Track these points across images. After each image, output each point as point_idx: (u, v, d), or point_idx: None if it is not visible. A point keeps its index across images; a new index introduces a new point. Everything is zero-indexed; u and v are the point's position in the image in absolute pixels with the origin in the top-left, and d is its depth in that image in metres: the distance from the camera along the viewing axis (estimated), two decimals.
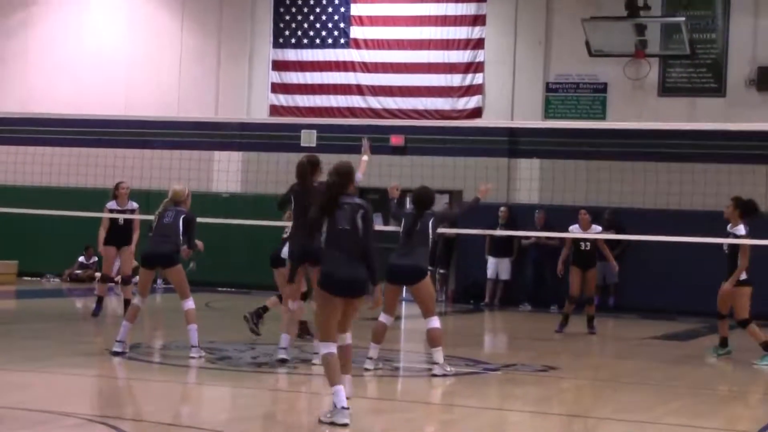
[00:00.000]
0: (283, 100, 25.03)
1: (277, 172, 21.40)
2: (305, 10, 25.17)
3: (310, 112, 24.44)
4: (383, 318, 11.85)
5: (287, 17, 25.26)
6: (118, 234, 16.53)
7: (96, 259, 22.97)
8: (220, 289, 22.93)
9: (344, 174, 9.23)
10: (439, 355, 11.64)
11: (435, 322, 11.66)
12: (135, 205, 16.77)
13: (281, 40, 25.27)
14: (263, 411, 9.79)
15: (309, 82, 24.92)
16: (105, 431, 8.18)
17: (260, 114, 24.80)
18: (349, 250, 9.02)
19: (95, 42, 26.30)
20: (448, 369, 11.65)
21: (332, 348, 8.94)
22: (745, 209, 13.86)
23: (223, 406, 10.14)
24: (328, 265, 9.05)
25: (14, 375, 10.78)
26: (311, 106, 24.67)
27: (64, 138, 24.01)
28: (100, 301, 16.59)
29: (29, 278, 23.53)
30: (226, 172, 23.56)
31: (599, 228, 17.20)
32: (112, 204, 16.63)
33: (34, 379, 10.65)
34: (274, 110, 24.94)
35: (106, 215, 16.61)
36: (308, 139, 23.84)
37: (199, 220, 18.16)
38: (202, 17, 25.85)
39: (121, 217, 16.47)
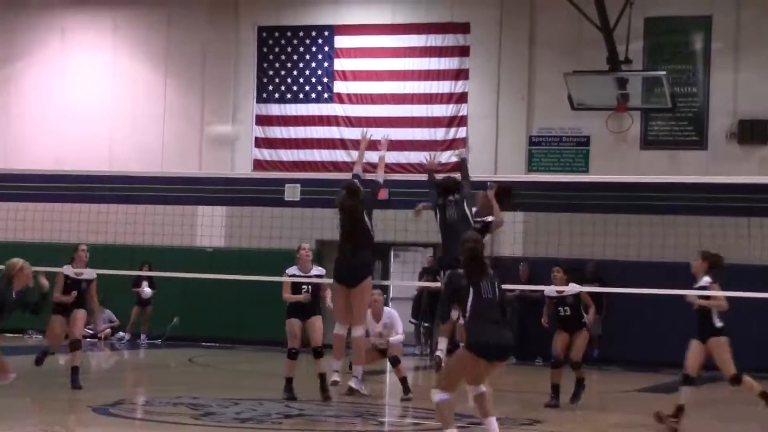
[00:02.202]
0: (267, 154, 25.12)
1: (261, 227, 21.45)
2: (289, 65, 25.31)
3: (293, 167, 24.51)
4: None
5: (270, 72, 25.40)
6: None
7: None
8: (203, 344, 22.87)
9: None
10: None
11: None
12: (93, 274, 14.93)
13: (265, 95, 25.40)
14: None
15: (293, 136, 25.04)
16: None
17: (244, 168, 24.87)
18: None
19: (79, 97, 26.38)
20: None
21: (448, 396, 9.38)
22: (713, 262, 13.39)
23: None
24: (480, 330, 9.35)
25: None
26: (295, 161, 24.76)
27: (46, 194, 23.98)
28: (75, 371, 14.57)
29: (11, 335, 23.41)
30: (210, 227, 23.55)
31: (576, 287, 14.86)
32: (68, 268, 14.88)
33: None
34: (258, 165, 25.02)
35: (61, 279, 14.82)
36: (292, 193, 23.87)
37: (183, 275, 18.31)
38: (186, 73, 25.97)
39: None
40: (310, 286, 14.09)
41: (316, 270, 14.34)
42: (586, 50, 22.62)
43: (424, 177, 23.17)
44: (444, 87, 24.46)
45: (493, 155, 23.71)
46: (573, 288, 14.69)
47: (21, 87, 26.78)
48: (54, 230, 21.72)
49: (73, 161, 24.41)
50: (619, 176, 20.80)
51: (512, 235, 22.19)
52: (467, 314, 9.43)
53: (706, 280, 12.87)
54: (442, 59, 24.48)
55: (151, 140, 25.74)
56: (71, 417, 12.19)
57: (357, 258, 13.60)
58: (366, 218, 13.69)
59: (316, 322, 14.13)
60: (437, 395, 9.43)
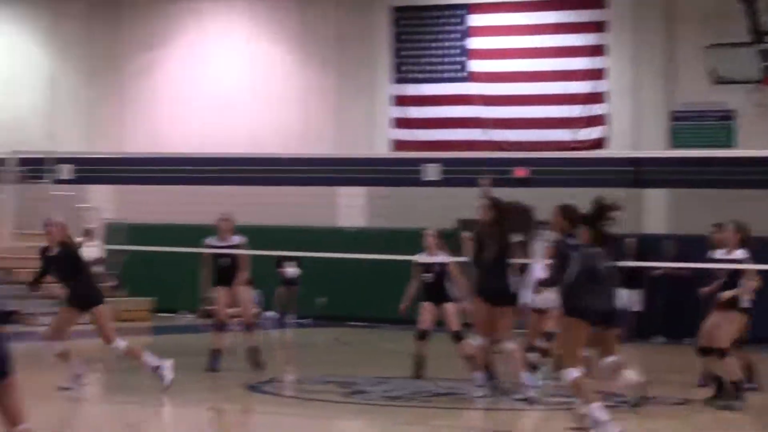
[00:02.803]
0: (405, 134, 25.16)
1: (401, 206, 21.54)
2: (423, 45, 25.29)
3: (431, 146, 24.45)
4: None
5: (406, 53, 25.42)
6: (223, 272, 14.57)
7: None
8: (349, 323, 23.04)
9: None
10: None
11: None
12: (237, 239, 14.78)
13: (401, 76, 25.43)
14: None
15: (429, 116, 25.01)
16: None
17: (382, 149, 24.96)
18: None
19: (219, 82, 26.78)
20: None
21: (578, 372, 9.36)
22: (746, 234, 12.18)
23: None
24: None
25: (152, 411, 10.97)
26: (432, 140, 24.73)
27: (190, 176, 24.42)
28: (216, 354, 14.33)
29: (164, 315, 23.98)
30: (350, 207, 23.76)
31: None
32: (211, 240, 14.88)
33: (171, 414, 10.83)
34: (396, 145, 25.09)
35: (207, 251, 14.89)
36: (431, 173, 23.88)
37: (325, 255, 18.46)
38: (323, 55, 26.14)
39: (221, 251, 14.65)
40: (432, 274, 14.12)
41: (441, 256, 14.25)
42: (726, 22, 22.06)
43: (561, 154, 23.15)
44: (580, 63, 24.13)
45: (634, 131, 23.37)
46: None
47: (163, 73, 27.29)
48: (199, 212, 22.12)
49: (215, 144, 24.83)
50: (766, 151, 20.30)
51: (656, 212, 21.92)
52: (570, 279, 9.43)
53: (740, 253, 12.10)
54: (578, 35, 24.15)
55: (290, 122, 25.99)
56: (226, 395, 12.40)
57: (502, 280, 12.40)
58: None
59: (449, 307, 13.98)
60: (569, 374, 9.41)
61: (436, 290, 14.11)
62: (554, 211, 9.88)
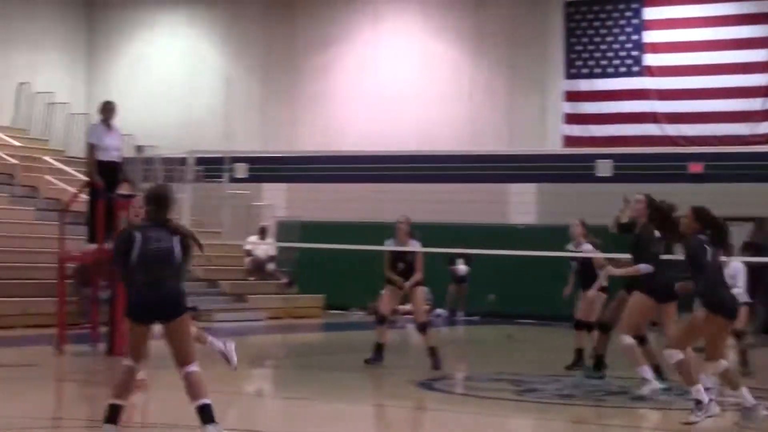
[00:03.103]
0: (577, 130, 24.85)
1: (572, 203, 21.19)
2: (597, 39, 24.96)
3: (605, 142, 24.11)
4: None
5: (579, 48, 25.10)
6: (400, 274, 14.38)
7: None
8: (519, 320, 22.86)
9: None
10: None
11: None
12: (415, 242, 14.64)
13: (573, 71, 25.13)
14: None
15: (603, 111, 24.65)
16: None
17: (554, 145, 24.70)
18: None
19: (390, 80, 26.93)
20: None
21: (726, 364, 9.83)
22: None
23: None
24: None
25: (325, 407, 11.02)
26: (606, 136, 24.35)
27: (361, 174, 24.57)
28: (379, 349, 14.31)
29: (335, 311, 24.22)
30: (521, 204, 23.55)
31: None
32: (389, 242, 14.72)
33: (344, 410, 10.87)
34: (569, 140, 24.79)
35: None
36: (604, 168, 23.48)
37: (496, 252, 18.29)
38: (494, 53, 26.04)
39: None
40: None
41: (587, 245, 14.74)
42: None
43: (738, 149, 22.49)
44: (759, 55, 23.49)
45: None
46: None
47: (337, 73, 27.57)
48: (370, 210, 22.26)
49: (386, 142, 24.95)
50: None
51: None
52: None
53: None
54: (757, 26, 23.48)
55: (460, 119, 25.96)
56: (397, 392, 12.39)
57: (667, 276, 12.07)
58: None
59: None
60: (674, 356, 9.73)
61: (584, 279, 14.57)
62: (688, 213, 10.17)
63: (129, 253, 8.09)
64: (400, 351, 15.60)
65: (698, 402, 9.62)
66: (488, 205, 22.62)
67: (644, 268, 11.77)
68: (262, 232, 25.78)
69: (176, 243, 8.21)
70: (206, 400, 7.97)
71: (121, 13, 29.55)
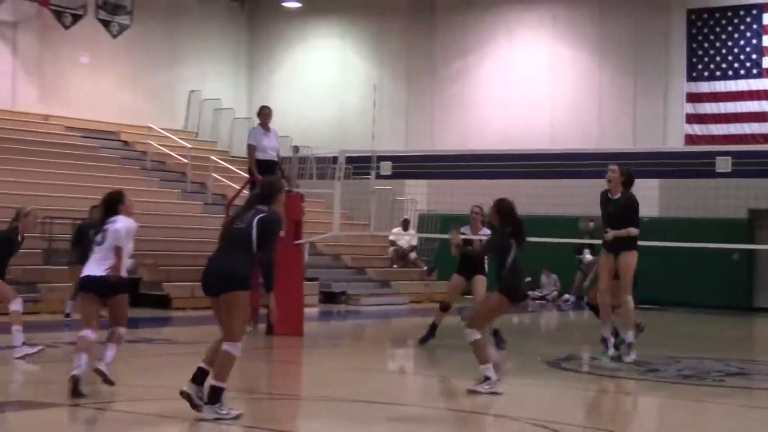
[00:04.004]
0: (698, 129, 24.38)
1: (693, 197, 20.83)
2: (718, 44, 24.45)
3: (724, 140, 23.62)
4: None
5: (700, 52, 24.61)
6: (465, 262, 14.14)
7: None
8: (641, 306, 22.43)
9: None
10: None
11: None
12: (486, 231, 14.19)
13: (695, 74, 24.65)
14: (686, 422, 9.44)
15: (722, 111, 24.14)
16: None
17: (676, 143, 24.26)
18: None
19: (522, 85, 26.79)
20: None
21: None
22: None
23: (649, 415, 9.91)
24: None
25: (459, 383, 10.99)
26: (725, 134, 23.84)
27: (495, 171, 24.49)
28: (433, 328, 14.22)
29: (470, 296, 24.15)
30: (644, 198, 23.11)
31: None
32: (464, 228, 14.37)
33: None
34: (689, 139, 24.33)
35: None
36: (723, 165, 22.95)
37: None
38: (619, 58, 25.72)
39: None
40: None
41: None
42: None
43: None
44: None
45: None
46: None
47: (473, 78, 27.54)
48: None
49: (518, 141, 24.83)
50: None
51: None
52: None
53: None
54: None
55: (587, 120, 25.69)
56: (530, 370, 12.32)
57: None
58: None
59: None
60: (472, 335, 9.85)
61: None
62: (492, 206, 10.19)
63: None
64: (530, 332, 15.55)
65: (487, 378, 9.76)
66: None
67: (635, 230, 12.26)
68: (405, 224, 25.92)
69: (255, 226, 8.12)
70: (217, 383, 7.92)
71: (278, 28, 30.01)
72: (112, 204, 9.71)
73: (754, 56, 23.96)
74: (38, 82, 26.00)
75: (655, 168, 23.71)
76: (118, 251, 9.28)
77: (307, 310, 15.92)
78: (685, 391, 10.84)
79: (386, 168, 19.92)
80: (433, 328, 14.10)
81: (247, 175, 17.18)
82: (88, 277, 9.32)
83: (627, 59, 25.60)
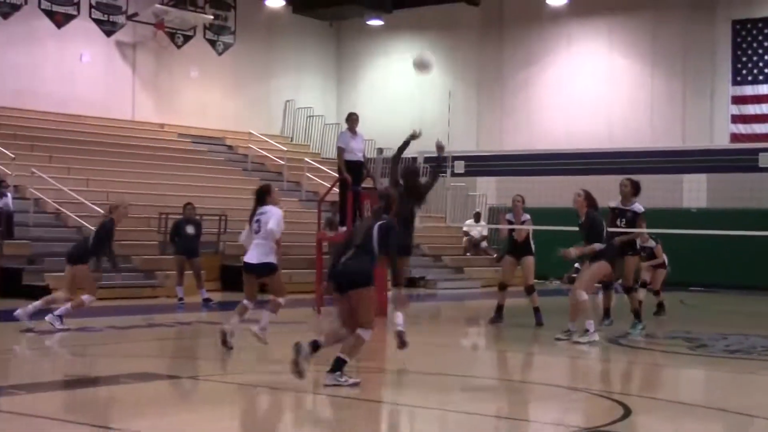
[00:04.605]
0: (743, 129, 23.97)
1: (738, 189, 20.52)
2: (760, 51, 24.00)
3: (766, 138, 23.18)
4: None
5: (744, 58, 24.17)
6: (515, 245, 14.14)
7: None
8: (691, 288, 22.19)
9: None
10: None
11: None
12: (527, 216, 14.34)
13: (739, 78, 24.22)
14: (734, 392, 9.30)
15: (765, 112, 23.73)
16: (610, 405, 8.14)
17: (722, 141, 23.88)
18: None
19: (582, 90, 26.56)
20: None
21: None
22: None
23: (701, 387, 9.80)
24: None
25: (539, 358, 10.99)
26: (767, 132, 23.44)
27: (559, 168, 24.30)
28: (499, 309, 14.10)
29: (537, 281, 23.96)
30: (694, 191, 22.86)
31: None
32: (509, 216, 14.56)
33: (543, 360, 10.83)
34: (734, 137, 23.93)
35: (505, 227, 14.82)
36: (766, 161, 22.54)
37: (670, 231, 17.81)
38: (670, 65, 25.37)
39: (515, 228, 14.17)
40: None
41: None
42: None
43: None
44: None
45: None
46: None
47: (537, 86, 27.38)
48: (563, 198, 21.94)
49: (579, 141, 24.62)
50: None
51: None
52: None
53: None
54: None
55: (641, 122, 25.42)
56: (586, 346, 12.21)
57: None
58: None
59: None
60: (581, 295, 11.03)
61: None
62: None
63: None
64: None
65: (587, 330, 10.96)
66: (666, 192, 22.02)
67: (599, 246, 11.91)
68: (477, 217, 25.89)
69: (375, 230, 8.37)
70: (343, 355, 8.18)
71: (363, 43, 30.14)
72: (262, 195, 10.53)
73: None
74: (154, 95, 26.46)
75: (704, 164, 23.33)
76: (273, 237, 10.28)
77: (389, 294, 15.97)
78: (731, 364, 10.70)
79: (460, 167, 19.94)
80: (500, 309, 14.08)
81: (336, 175, 17.28)
82: (246, 263, 10.40)
83: (677, 66, 25.24)
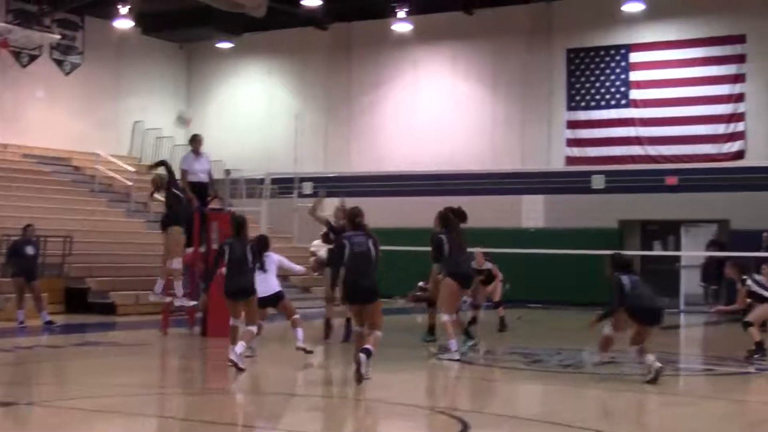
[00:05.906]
0: (577, 152, 24.75)
1: (573, 210, 21.13)
2: (592, 79, 24.84)
3: (598, 161, 23.97)
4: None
5: (578, 85, 25.01)
6: None
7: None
8: (528, 305, 22.70)
9: None
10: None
11: None
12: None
13: (574, 104, 25.01)
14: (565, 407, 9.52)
15: (597, 136, 24.56)
16: (448, 420, 8.19)
17: (558, 164, 24.60)
18: None
19: (427, 113, 26.89)
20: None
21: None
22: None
23: (536, 401, 9.99)
24: None
25: (378, 375, 10.98)
26: (599, 156, 24.23)
27: (403, 189, 24.56)
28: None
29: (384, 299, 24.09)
30: (532, 212, 23.46)
31: None
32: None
33: (391, 378, 10.85)
34: (569, 160, 24.68)
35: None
36: (598, 182, 23.34)
37: (509, 250, 18.20)
38: (510, 89, 25.94)
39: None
40: None
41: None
42: None
43: (706, 164, 22.21)
44: (723, 90, 23.28)
45: None
46: None
47: (384, 109, 27.57)
48: (411, 218, 22.15)
49: (423, 164, 24.93)
50: None
51: None
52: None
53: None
54: (721, 66, 23.28)
55: (483, 145, 25.88)
56: (425, 363, 12.29)
57: None
58: None
59: None
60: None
61: None
62: None
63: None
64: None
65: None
66: (504, 213, 22.53)
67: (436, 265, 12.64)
68: (325, 237, 25.82)
69: (372, 248, 10.20)
70: (369, 347, 9.66)
71: (212, 65, 29.77)
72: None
73: (622, 89, 24.39)
74: None
75: (541, 185, 24.04)
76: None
77: None
78: (564, 379, 10.95)
79: (307, 187, 19.90)
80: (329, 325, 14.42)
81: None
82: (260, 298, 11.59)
83: (516, 92, 25.83)
